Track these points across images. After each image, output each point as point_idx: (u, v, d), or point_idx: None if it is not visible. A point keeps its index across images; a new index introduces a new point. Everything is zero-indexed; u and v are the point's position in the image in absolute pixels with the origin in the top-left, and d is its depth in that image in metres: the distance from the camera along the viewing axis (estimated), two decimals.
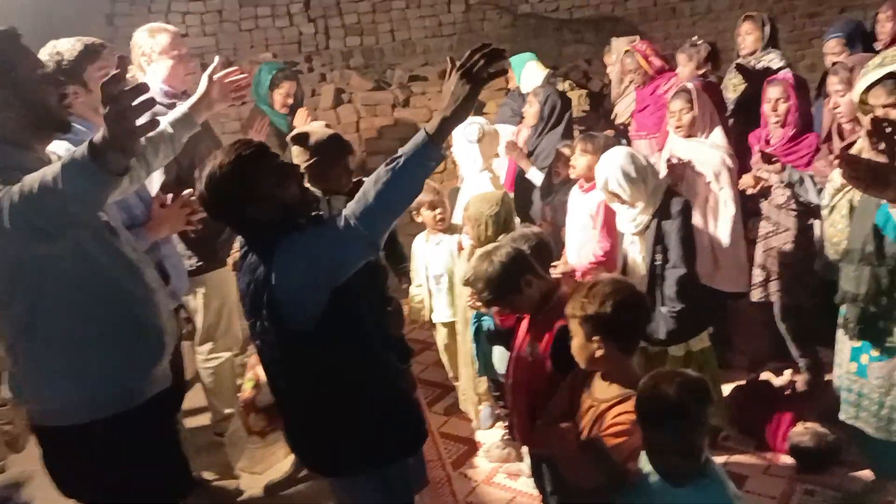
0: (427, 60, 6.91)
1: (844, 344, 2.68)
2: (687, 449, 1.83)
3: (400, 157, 1.81)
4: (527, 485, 3.25)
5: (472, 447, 3.74)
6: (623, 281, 2.28)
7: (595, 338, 2.08)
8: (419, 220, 3.79)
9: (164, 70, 3.15)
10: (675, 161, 3.75)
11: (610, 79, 5.75)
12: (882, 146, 2.18)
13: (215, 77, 2.55)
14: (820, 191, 3.26)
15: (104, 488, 2.08)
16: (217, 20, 6.64)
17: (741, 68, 4.60)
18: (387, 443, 2.11)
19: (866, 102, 2.41)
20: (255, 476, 3.58)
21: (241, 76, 2.65)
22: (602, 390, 2.14)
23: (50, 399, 2.04)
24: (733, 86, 4.64)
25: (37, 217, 1.74)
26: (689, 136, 3.76)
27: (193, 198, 2.69)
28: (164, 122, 2.42)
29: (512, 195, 4.27)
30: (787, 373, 3.88)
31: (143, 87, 1.66)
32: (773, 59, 4.60)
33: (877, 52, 4.05)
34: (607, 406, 2.08)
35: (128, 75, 3.20)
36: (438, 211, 3.70)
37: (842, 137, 3.16)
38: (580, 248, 3.64)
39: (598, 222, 3.55)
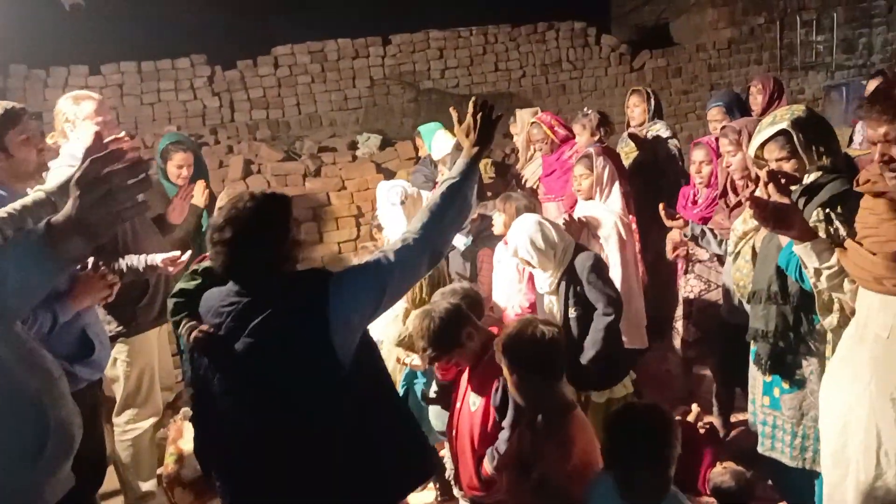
0: (335, 132, 7.03)
1: (757, 380, 2.86)
2: (655, 476, 1.92)
3: (453, 178, 2.05)
4: None
5: None
6: (528, 319, 2.43)
7: (512, 370, 2.27)
8: None
9: (89, 135, 3.09)
10: (572, 218, 3.94)
11: (512, 148, 6.05)
12: (777, 196, 2.44)
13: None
14: (721, 242, 3.53)
15: None
16: (118, 94, 6.53)
17: (634, 137, 4.97)
18: (410, 472, 2.12)
19: (761, 157, 2.67)
20: None
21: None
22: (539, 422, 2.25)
23: None
24: (625, 154, 5.00)
25: None
26: (588, 198, 4.01)
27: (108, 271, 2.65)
28: (49, 187, 2.36)
29: None
30: (694, 408, 4.06)
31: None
32: (660, 129, 5.02)
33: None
34: None
35: (49, 142, 3.13)
36: None
37: (735, 192, 3.47)
38: (507, 299, 3.76)
39: (525, 276, 3.68)
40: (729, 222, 3.43)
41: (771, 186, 2.33)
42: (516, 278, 3.72)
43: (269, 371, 1.90)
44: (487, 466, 2.45)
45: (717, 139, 3.91)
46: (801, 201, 2.55)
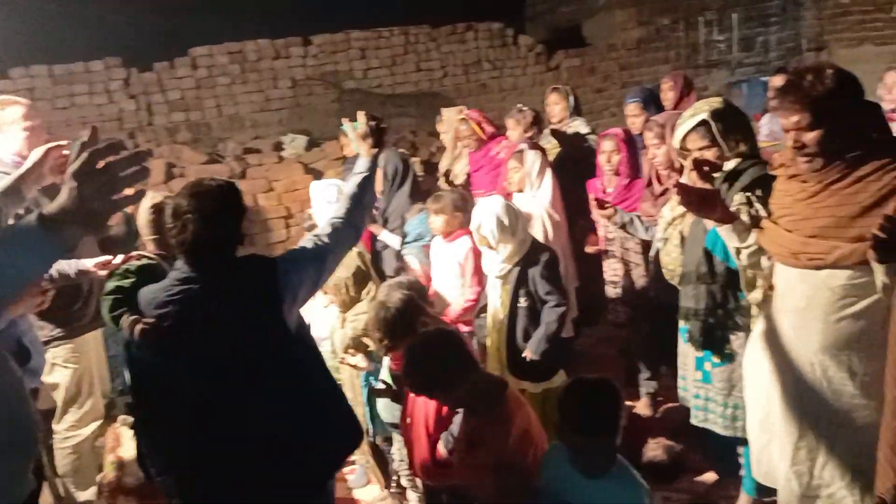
0: (258, 134, 6.96)
1: (689, 357, 3.05)
2: (606, 445, 2.05)
3: (363, 173, 2.52)
4: None
5: None
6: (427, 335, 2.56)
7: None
8: None
9: (17, 141, 3.05)
10: None
11: (438, 146, 6.16)
12: (702, 183, 2.63)
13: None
14: (647, 229, 3.74)
15: None
16: (28, 98, 6.24)
17: (556, 133, 5.16)
18: (349, 439, 2.39)
19: (685, 147, 2.86)
20: None
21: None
22: None
23: None
24: (549, 149, 5.18)
25: None
26: (519, 190, 4.16)
27: None
28: None
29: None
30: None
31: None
32: (579, 125, 5.23)
33: None
34: None
35: None
36: None
37: (660, 182, 3.68)
38: (449, 294, 3.85)
39: (469, 269, 3.78)
40: (655, 210, 3.64)
41: (694, 173, 2.51)
42: (458, 272, 3.82)
43: (228, 350, 2.01)
44: (442, 450, 2.53)
45: (624, 131, 4.14)
46: (724, 187, 2.75)
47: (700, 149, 2.78)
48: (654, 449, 3.59)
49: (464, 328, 3.83)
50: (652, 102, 4.77)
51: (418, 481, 3.22)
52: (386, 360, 3.09)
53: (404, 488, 3.49)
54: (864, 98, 2.15)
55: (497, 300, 3.50)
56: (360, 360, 3.30)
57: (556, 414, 3.41)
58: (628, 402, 4.31)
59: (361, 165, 2.57)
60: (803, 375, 2.30)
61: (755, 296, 2.61)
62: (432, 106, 7.56)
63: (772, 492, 2.63)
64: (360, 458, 3.76)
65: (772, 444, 2.51)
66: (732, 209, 2.63)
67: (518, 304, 3.40)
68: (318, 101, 7.34)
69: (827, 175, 2.14)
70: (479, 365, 2.55)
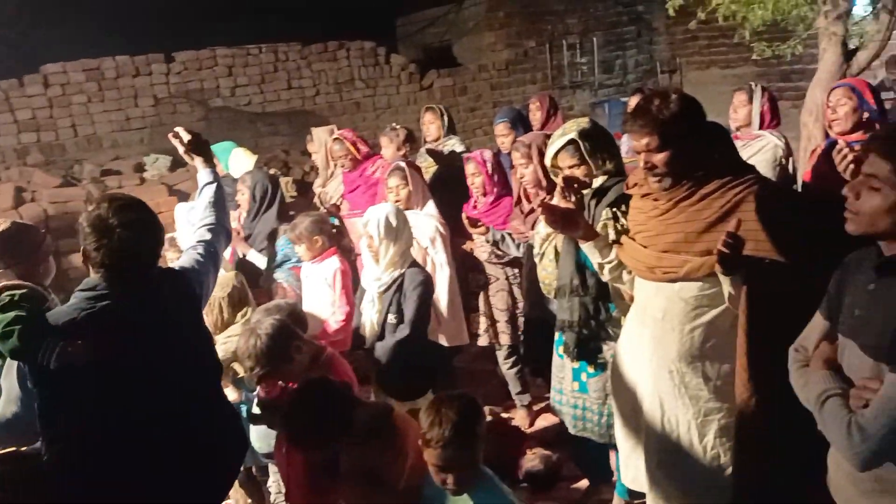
0: (118, 154, 6.60)
1: (565, 368, 3.13)
2: (470, 460, 2.07)
3: (211, 181, 2.66)
4: None
5: None
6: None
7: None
8: None
9: None
10: None
11: (312, 165, 6.07)
12: (572, 199, 2.74)
13: None
14: (519, 245, 3.84)
15: None
16: None
17: (431, 152, 5.22)
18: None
19: (556, 165, 2.98)
20: None
21: None
22: None
23: None
24: (425, 168, 5.23)
25: None
26: (407, 208, 4.18)
27: None
28: None
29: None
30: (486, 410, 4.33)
31: None
32: (455, 144, 5.31)
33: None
34: None
35: None
36: None
37: (529, 200, 3.80)
38: (319, 314, 3.79)
39: (337, 287, 3.74)
40: (525, 227, 3.74)
41: (562, 190, 2.61)
42: (328, 293, 3.77)
43: (162, 356, 2.08)
44: (322, 477, 2.47)
45: (493, 152, 4.24)
46: (593, 203, 2.88)
47: (570, 166, 2.90)
48: (532, 459, 3.68)
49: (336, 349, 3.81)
50: (520, 122, 4.93)
51: None
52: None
53: None
54: (705, 120, 2.31)
55: (373, 316, 3.48)
56: (229, 391, 3.17)
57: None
58: (506, 415, 4.42)
59: (206, 176, 2.70)
60: (663, 383, 2.43)
61: (623, 306, 2.73)
62: (305, 124, 7.45)
63: (643, 495, 2.75)
64: (234, 493, 3.62)
65: (638, 450, 2.62)
66: (600, 224, 2.76)
67: (387, 321, 3.40)
68: (182, 120, 7.06)
69: (676, 193, 2.28)
70: (358, 402, 2.48)
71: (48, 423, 2.08)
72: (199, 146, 2.77)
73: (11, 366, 2.34)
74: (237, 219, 4.62)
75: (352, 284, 3.82)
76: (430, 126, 5.38)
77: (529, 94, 8.75)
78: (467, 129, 8.57)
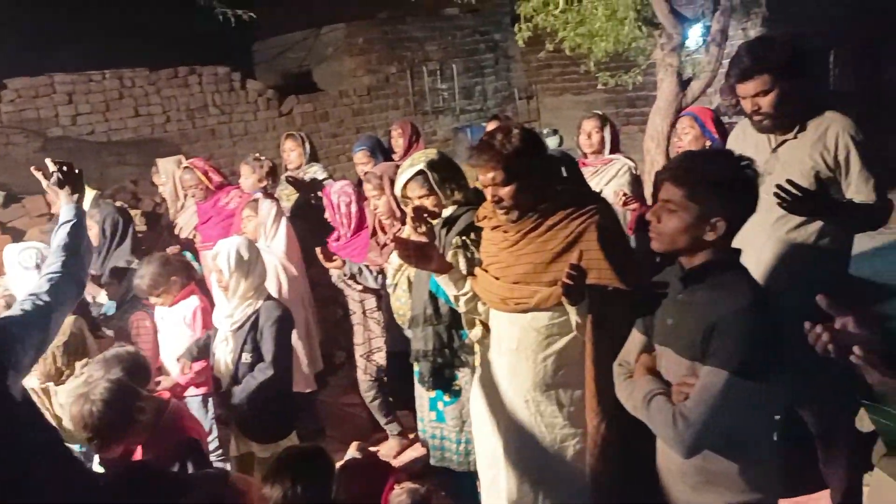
0: None
1: (423, 398, 3.13)
2: None
3: (71, 220, 2.33)
4: None
5: None
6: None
7: None
8: None
9: None
10: None
11: (163, 197, 5.76)
12: (423, 228, 2.72)
13: None
14: (377, 277, 3.79)
15: None
16: None
17: (292, 181, 5.09)
18: None
19: (406, 196, 2.96)
20: None
21: None
22: None
23: None
24: (286, 196, 5.10)
25: None
26: (254, 240, 4.03)
27: None
28: None
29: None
30: (353, 448, 4.25)
31: None
32: (316, 171, 5.22)
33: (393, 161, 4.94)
34: None
35: None
36: None
37: (384, 231, 3.76)
38: (175, 357, 3.58)
39: (198, 327, 3.55)
40: (381, 259, 3.70)
41: (411, 225, 2.59)
42: (187, 332, 3.57)
43: None
44: None
45: (335, 183, 4.19)
46: (443, 232, 2.87)
47: (419, 197, 2.89)
48: (399, 495, 3.58)
49: (198, 391, 3.59)
50: (379, 150, 4.90)
51: None
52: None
53: None
54: (547, 153, 2.37)
55: (227, 356, 3.30)
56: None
57: None
58: (374, 448, 4.33)
59: (67, 213, 2.39)
60: (520, 413, 2.44)
61: (476, 333, 2.74)
62: (155, 153, 7.08)
63: None
64: None
65: (498, 479, 2.62)
66: (450, 253, 2.75)
67: (241, 361, 3.25)
68: (17, 152, 6.52)
69: (523, 225, 2.32)
70: (192, 477, 2.31)
71: None
72: (68, 177, 2.43)
73: None
74: None
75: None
76: (291, 153, 5.26)
77: (392, 119, 8.77)
78: (330, 154, 8.46)
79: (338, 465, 4.04)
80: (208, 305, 3.65)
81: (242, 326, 3.24)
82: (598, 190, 3.88)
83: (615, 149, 4.19)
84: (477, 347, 2.80)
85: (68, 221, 2.36)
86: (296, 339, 3.90)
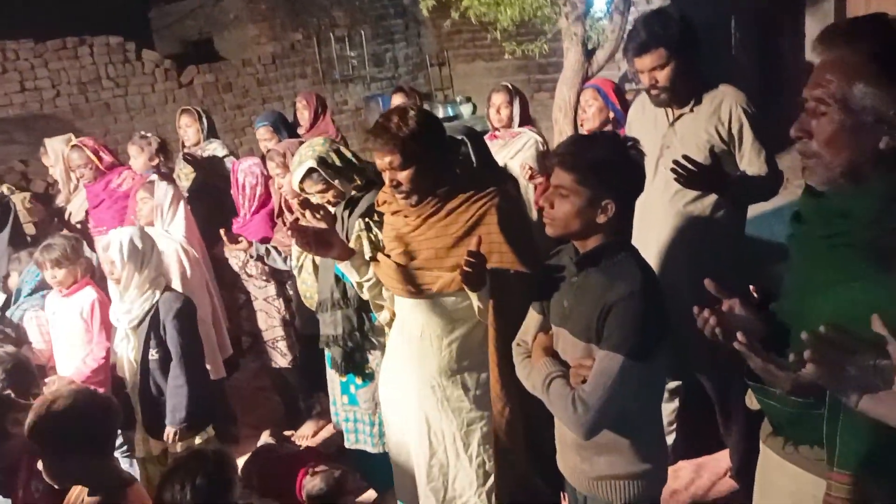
0: None
1: (335, 381, 3.08)
2: None
3: None
4: None
5: None
6: (78, 388, 2.20)
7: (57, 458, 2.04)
8: None
9: None
10: None
11: (55, 178, 5.42)
12: (319, 215, 2.64)
13: None
14: (286, 258, 3.68)
15: None
16: None
17: (189, 159, 4.86)
18: None
19: (304, 191, 2.84)
20: None
21: None
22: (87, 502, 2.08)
23: None
24: (185, 175, 4.88)
25: None
26: (148, 223, 3.86)
27: None
28: None
29: None
30: (265, 435, 4.20)
31: None
32: (216, 148, 5.01)
33: (298, 136, 4.79)
34: None
35: None
36: None
37: (290, 211, 3.64)
38: (71, 354, 3.40)
39: (95, 322, 3.36)
40: (290, 239, 3.58)
41: (308, 213, 2.50)
42: (82, 327, 3.37)
43: None
44: None
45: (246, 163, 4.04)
46: (346, 213, 2.79)
47: (319, 192, 2.79)
48: (312, 480, 3.55)
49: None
50: (282, 124, 4.73)
51: None
52: None
53: None
54: (444, 135, 2.31)
55: (130, 353, 3.15)
56: None
57: None
58: (288, 432, 4.26)
59: None
60: (427, 399, 2.42)
61: (384, 317, 2.69)
62: (45, 130, 6.63)
63: None
64: None
65: (409, 465, 2.61)
66: (353, 237, 2.68)
67: (150, 357, 3.11)
68: None
69: (424, 210, 2.27)
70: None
71: None
72: None
73: None
74: None
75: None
76: (188, 130, 5.03)
77: (300, 88, 8.49)
78: (236, 127, 8.14)
79: (251, 452, 4.00)
80: (105, 298, 3.46)
81: (143, 322, 3.10)
82: (504, 163, 3.87)
83: (525, 121, 4.18)
84: (387, 330, 2.76)
85: None
86: (203, 326, 3.77)
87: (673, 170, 2.54)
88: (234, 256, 3.84)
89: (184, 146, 5.06)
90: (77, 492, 2.05)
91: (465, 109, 8.95)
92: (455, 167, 2.32)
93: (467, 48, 9.85)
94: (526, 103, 4.25)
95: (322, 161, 2.72)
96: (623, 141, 1.87)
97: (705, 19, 6.24)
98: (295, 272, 3.32)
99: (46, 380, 3.33)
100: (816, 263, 1.46)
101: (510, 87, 4.24)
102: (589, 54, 4.90)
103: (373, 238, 2.66)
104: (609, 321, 1.77)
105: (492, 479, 2.39)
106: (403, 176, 2.19)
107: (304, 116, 5.46)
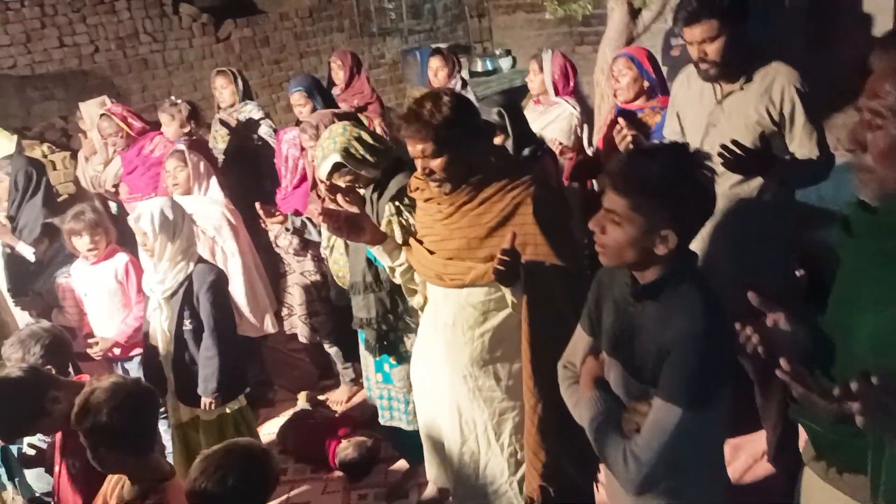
0: None
1: (369, 359, 3.06)
2: None
3: None
4: None
5: None
6: (121, 383, 2.13)
7: (101, 448, 2.01)
8: None
9: None
10: None
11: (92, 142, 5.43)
12: (349, 198, 2.58)
13: None
14: (321, 231, 3.65)
15: None
16: None
17: (225, 122, 4.83)
18: None
19: (333, 181, 2.74)
20: None
21: None
22: (128, 490, 2.07)
23: None
24: (221, 137, 4.85)
25: None
26: (186, 192, 3.85)
27: None
28: None
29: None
30: (301, 396, 4.23)
31: None
32: (252, 111, 4.95)
33: (336, 104, 4.72)
34: None
35: None
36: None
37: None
38: (109, 318, 3.47)
39: (132, 283, 3.43)
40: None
41: (339, 197, 2.45)
42: (118, 291, 3.43)
43: None
44: None
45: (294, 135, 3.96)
46: (375, 196, 2.74)
47: (346, 182, 2.72)
48: (346, 449, 3.60)
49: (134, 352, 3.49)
50: (316, 89, 4.63)
51: None
52: None
53: None
54: (479, 123, 2.23)
55: (163, 323, 3.18)
56: None
57: None
58: (322, 397, 4.31)
59: None
60: (459, 388, 2.39)
61: (417, 301, 2.65)
62: (84, 87, 6.70)
63: None
64: None
65: (440, 449, 2.61)
66: (384, 221, 2.63)
67: (183, 328, 3.14)
68: None
69: (457, 198, 2.20)
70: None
71: None
72: None
73: None
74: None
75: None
76: (223, 91, 4.95)
77: (337, 42, 8.38)
78: (273, 83, 8.07)
79: (286, 415, 4.06)
80: (137, 260, 3.50)
81: (176, 293, 3.11)
82: (538, 130, 3.77)
83: (567, 88, 4.06)
84: (420, 313, 2.72)
85: None
86: (242, 287, 3.81)
87: (720, 154, 2.42)
88: (270, 230, 3.82)
89: (219, 108, 5.02)
90: (116, 478, 2.09)
91: (505, 63, 8.74)
92: (490, 154, 2.24)
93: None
94: (570, 70, 4.12)
95: (346, 152, 2.64)
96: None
97: None
98: (325, 252, 3.30)
99: (90, 340, 3.41)
100: (867, 280, 1.38)
101: (541, 55, 4.11)
102: (634, 14, 4.70)
103: (403, 222, 2.61)
104: (667, 366, 1.57)
105: (523, 468, 2.37)
106: (436, 164, 2.12)
107: (339, 76, 5.37)
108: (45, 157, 5.50)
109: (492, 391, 2.36)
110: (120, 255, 3.53)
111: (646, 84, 3.47)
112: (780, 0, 6.67)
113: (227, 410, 3.23)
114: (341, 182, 2.66)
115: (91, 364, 3.51)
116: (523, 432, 2.35)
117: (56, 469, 2.43)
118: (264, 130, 4.86)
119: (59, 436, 2.42)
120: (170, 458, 3.29)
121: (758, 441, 3.28)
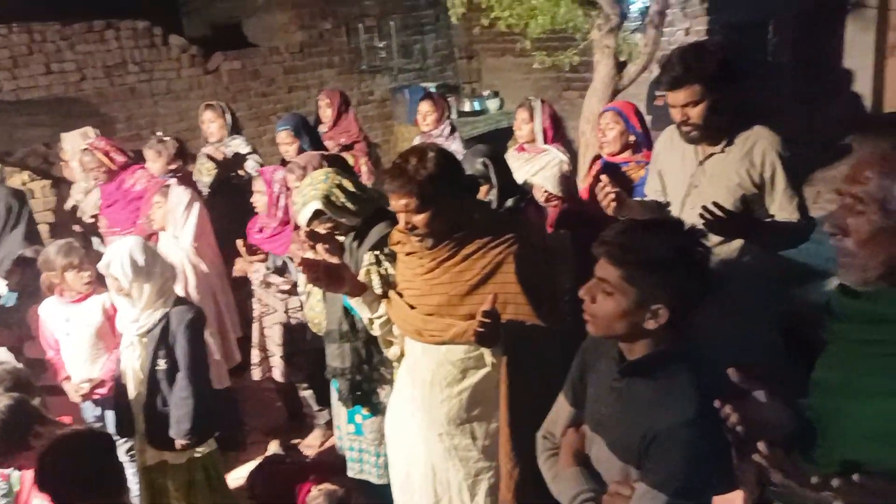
0: None
1: (341, 409, 3.00)
2: None
3: None
4: None
5: None
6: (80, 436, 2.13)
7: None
8: None
9: None
10: None
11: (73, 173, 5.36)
12: (328, 247, 2.55)
13: None
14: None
15: None
16: None
17: (212, 158, 4.80)
18: None
19: (313, 229, 2.70)
20: None
21: None
22: None
23: None
24: (206, 170, 4.82)
25: None
26: (162, 228, 3.82)
27: None
28: None
29: None
30: (273, 444, 4.14)
31: None
32: (239, 145, 4.93)
33: (321, 139, 4.72)
34: None
35: None
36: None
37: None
38: (91, 359, 3.41)
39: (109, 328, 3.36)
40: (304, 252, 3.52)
41: (319, 246, 2.42)
42: (106, 325, 3.35)
43: None
44: None
45: (272, 171, 3.92)
46: (354, 244, 2.70)
47: (326, 228, 2.69)
48: (316, 498, 3.51)
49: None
50: (303, 129, 4.63)
51: None
52: None
53: None
54: (464, 179, 2.22)
55: (135, 362, 3.11)
56: None
57: (204, 485, 3.19)
58: (295, 441, 4.22)
59: None
60: (434, 446, 2.35)
61: (394, 352, 2.61)
62: (70, 113, 6.66)
63: None
64: None
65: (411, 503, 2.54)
66: (363, 270, 2.59)
67: (157, 367, 3.07)
68: None
69: (439, 253, 2.18)
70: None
71: None
72: None
73: None
74: None
75: None
76: (211, 125, 4.94)
77: (326, 78, 8.41)
78: (261, 115, 8.06)
79: (257, 459, 3.97)
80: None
81: (151, 331, 3.05)
82: (525, 178, 3.78)
83: (556, 136, 4.08)
84: (397, 364, 2.68)
85: None
86: (208, 336, 3.73)
87: (701, 215, 2.43)
88: (255, 270, 3.78)
89: (206, 142, 5.00)
90: None
91: (492, 104, 8.83)
92: (474, 211, 2.23)
93: (497, 42, 9.69)
94: (558, 120, 4.15)
95: (327, 199, 2.60)
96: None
97: (743, 21, 6.10)
98: (302, 298, 3.26)
99: (80, 384, 3.34)
100: (854, 368, 1.37)
101: (531, 103, 4.13)
102: (620, 67, 4.77)
103: (382, 272, 2.57)
104: (653, 451, 1.51)
105: None
106: (419, 219, 2.10)
107: (327, 115, 5.39)
108: (24, 184, 5.43)
109: (467, 451, 2.31)
110: (98, 297, 3.46)
111: (632, 138, 3.50)
112: (764, 57, 6.81)
113: (197, 454, 3.15)
114: (321, 229, 2.63)
115: (59, 398, 3.44)
116: (498, 495, 2.30)
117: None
118: (251, 165, 4.83)
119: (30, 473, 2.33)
120: (136, 501, 3.21)
121: (736, 499, 3.25)
